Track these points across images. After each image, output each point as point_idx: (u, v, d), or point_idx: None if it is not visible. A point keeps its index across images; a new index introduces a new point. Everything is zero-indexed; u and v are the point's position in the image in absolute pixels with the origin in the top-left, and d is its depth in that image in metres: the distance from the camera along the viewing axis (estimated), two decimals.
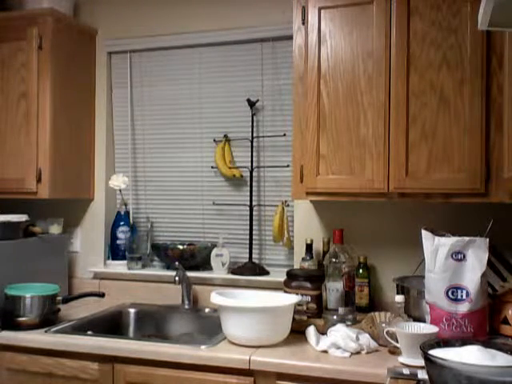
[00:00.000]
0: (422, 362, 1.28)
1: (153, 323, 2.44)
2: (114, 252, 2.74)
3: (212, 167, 2.63)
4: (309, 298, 2.08)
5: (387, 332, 1.74)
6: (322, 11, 2.06)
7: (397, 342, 1.70)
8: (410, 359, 1.63)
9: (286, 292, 2.09)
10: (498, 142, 1.85)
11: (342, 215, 2.36)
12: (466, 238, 1.75)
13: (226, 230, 2.64)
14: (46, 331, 2.07)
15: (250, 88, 2.57)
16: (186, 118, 2.71)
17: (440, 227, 1.88)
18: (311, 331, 1.88)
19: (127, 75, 2.79)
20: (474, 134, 1.88)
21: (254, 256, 2.54)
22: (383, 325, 1.82)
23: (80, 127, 2.71)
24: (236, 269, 2.51)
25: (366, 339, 1.81)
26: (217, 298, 1.91)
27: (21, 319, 2.09)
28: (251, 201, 2.52)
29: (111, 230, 2.75)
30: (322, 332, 1.91)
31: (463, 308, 1.72)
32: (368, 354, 1.77)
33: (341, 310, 2.03)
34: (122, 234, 2.71)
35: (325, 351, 1.79)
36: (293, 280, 2.09)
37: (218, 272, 2.52)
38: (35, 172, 2.45)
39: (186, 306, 2.45)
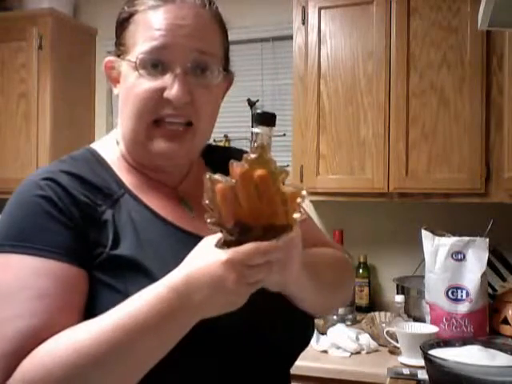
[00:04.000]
0: (422, 362, 1.28)
1: None
2: None
3: None
4: None
5: (387, 332, 1.74)
6: (322, 11, 2.06)
7: (397, 342, 1.70)
8: (410, 359, 1.63)
9: None
10: (498, 142, 1.85)
11: (341, 215, 2.36)
12: (466, 238, 1.75)
13: None
14: None
15: (249, 88, 2.57)
16: None
17: (440, 227, 1.88)
18: None
19: None
20: (474, 134, 1.88)
21: None
22: (383, 325, 1.82)
23: (80, 127, 2.70)
24: None
25: (366, 339, 1.81)
26: None
27: None
28: None
29: None
30: (322, 332, 1.91)
31: (463, 308, 1.72)
32: (368, 353, 1.77)
33: (341, 310, 2.03)
34: None
35: (325, 351, 1.79)
36: None
37: None
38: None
39: None
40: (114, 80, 0.85)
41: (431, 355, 1.20)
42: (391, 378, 1.49)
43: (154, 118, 0.77)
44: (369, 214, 2.34)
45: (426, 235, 1.81)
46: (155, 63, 0.76)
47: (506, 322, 1.77)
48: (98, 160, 0.80)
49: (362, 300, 2.24)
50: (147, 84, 0.76)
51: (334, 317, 2.01)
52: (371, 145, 1.98)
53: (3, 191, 2.52)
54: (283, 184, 0.63)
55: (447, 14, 1.91)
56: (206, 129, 0.83)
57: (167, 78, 0.76)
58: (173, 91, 0.75)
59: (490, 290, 1.89)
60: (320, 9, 2.06)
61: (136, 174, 0.81)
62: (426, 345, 1.28)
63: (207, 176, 0.63)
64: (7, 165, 2.50)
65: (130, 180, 0.80)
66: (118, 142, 0.84)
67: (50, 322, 0.65)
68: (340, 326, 1.87)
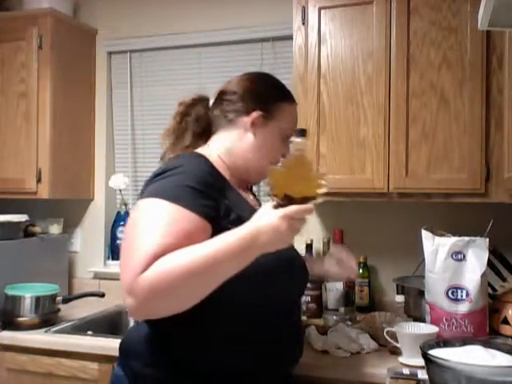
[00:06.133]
0: (422, 362, 1.28)
1: None
2: (114, 252, 2.74)
3: None
4: (309, 298, 2.07)
5: (387, 332, 1.74)
6: (322, 11, 2.06)
7: (397, 342, 1.70)
8: (410, 359, 1.62)
9: None
10: (498, 142, 1.85)
11: (341, 215, 2.36)
12: (466, 238, 1.75)
13: None
14: (45, 331, 2.07)
15: None
16: None
17: (440, 227, 1.88)
18: (311, 331, 1.88)
19: (127, 75, 2.79)
20: (474, 134, 1.88)
21: None
22: (383, 325, 1.82)
23: (80, 127, 2.71)
24: None
25: (365, 339, 1.81)
26: None
27: (21, 319, 2.09)
28: None
29: (111, 230, 2.75)
30: (322, 332, 1.91)
31: (463, 308, 1.72)
32: (368, 353, 1.77)
33: (341, 310, 2.03)
34: (122, 234, 2.71)
35: (325, 351, 1.79)
36: None
37: None
38: (35, 172, 2.45)
39: None
40: (254, 125, 1.33)
41: (431, 355, 1.20)
42: (391, 377, 1.49)
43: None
44: (369, 214, 2.34)
45: (425, 235, 1.81)
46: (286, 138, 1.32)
47: (506, 322, 1.77)
48: (211, 165, 1.27)
49: (362, 300, 2.24)
50: (282, 146, 1.33)
51: (334, 317, 2.01)
52: (371, 145, 1.98)
53: (3, 191, 2.53)
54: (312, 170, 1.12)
55: (447, 14, 1.91)
56: None
57: (287, 146, 1.26)
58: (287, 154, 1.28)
59: (490, 290, 1.89)
60: (320, 9, 2.06)
61: (230, 174, 1.32)
62: (426, 345, 1.28)
63: (269, 167, 1.10)
64: (7, 165, 2.50)
65: (229, 178, 1.31)
66: (220, 157, 1.34)
67: (177, 245, 1.04)
68: (340, 326, 1.87)
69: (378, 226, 2.33)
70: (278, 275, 1.23)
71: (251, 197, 1.45)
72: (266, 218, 1.04)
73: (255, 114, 1.33)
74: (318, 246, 2.35)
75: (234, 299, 1.16)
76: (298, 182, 1.06)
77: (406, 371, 1.52)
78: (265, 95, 1.36)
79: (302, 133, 1.13)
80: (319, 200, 1.06)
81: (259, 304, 1.22)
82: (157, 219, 1.09)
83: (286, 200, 1.04)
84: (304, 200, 1.04)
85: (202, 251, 1.03)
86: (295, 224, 1.04)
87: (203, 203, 1.14)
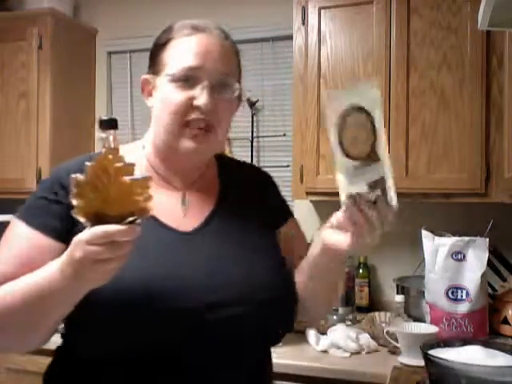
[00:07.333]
0: (422, 362, 1.28)
1: None
2: None
3: None
4: None
5: (387, 332, 1.74)
6: (322, 11, 2.06)
7: (397, 342, 1.70)
8: (410, 359, 1.63)
9: None
10: (498, 142, 1.85)
11: None
12: (466, 238, 1.75)
13: None
14: None
15: (249, 88, 2.57)
16: None
17: (440, 227, 1.88)
18: (311, 331, 1.88)
19: (127, 75, 2.79)
20: (474, 134, 1.88)
21: None
22: (383, 325, 1.82)
23: (80, 127, 2.70)
24: None
25: (365, 339, 1.81)
26: None
27: None
28: None
29: None
30: (322, 332, 1.91)
31: (463, 308, 1.72)
32: (368, 353, 1.77)
33: (341, 310, 2.03)
34: None
35: (325, 351, 1.79)
36: None
37: None
38: (35, 172, 2.45)
39: None
40: (148, 93, 1.03)
41: (431, 355, 1.20)
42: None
43: (185, 120, 0.95)
44: None
45: (426, 235, 1.81)
46: (188, 78, 0.95)
47: (506, 322, 1.77)
48: None
49: (362, 300, 2.24)
50: (180, 94, 0.95)
51: (334, 317, 2.01)
52: None
53: (3, 191, 2.53)
54: (133, 177, 0.74)
55: (447, 14, 1.91)
56: (223, 134, 1.00)
57: (197, 90, 0.95)
58: (201, 99, 0.94)
59: (490, 290, 1.89)
60: (320, 9, 2.06)
61: (161, 166, 1.01)
62: (426, 345, 1.28)
63: (71, 176, 0.75)
64: (7, 165, 2.50)
65: (160, 172, 1.01)
66: (144, 146, 1.03)
67: (14, 273, 0.88)
68: (340, 326, 1.87)
69: None
70: (116, 321, 0.88)
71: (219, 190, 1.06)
72: (70, 247, 0.78)
73: (141, 81, 1.04)
74: None
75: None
76: (106, 193, 0.74)
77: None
78: (150, 53, 1.05)
79: (110, 124, 0.77)
80: (140, 218, 0.74)
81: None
82: (4, 242, 0.95)
83: (96, 219, 0.74)
84: (121, 217, 0.73)
85: (15, 290, 0.86)
86: (98, 252, 0.72)
87: (53, 215, 0.93)
